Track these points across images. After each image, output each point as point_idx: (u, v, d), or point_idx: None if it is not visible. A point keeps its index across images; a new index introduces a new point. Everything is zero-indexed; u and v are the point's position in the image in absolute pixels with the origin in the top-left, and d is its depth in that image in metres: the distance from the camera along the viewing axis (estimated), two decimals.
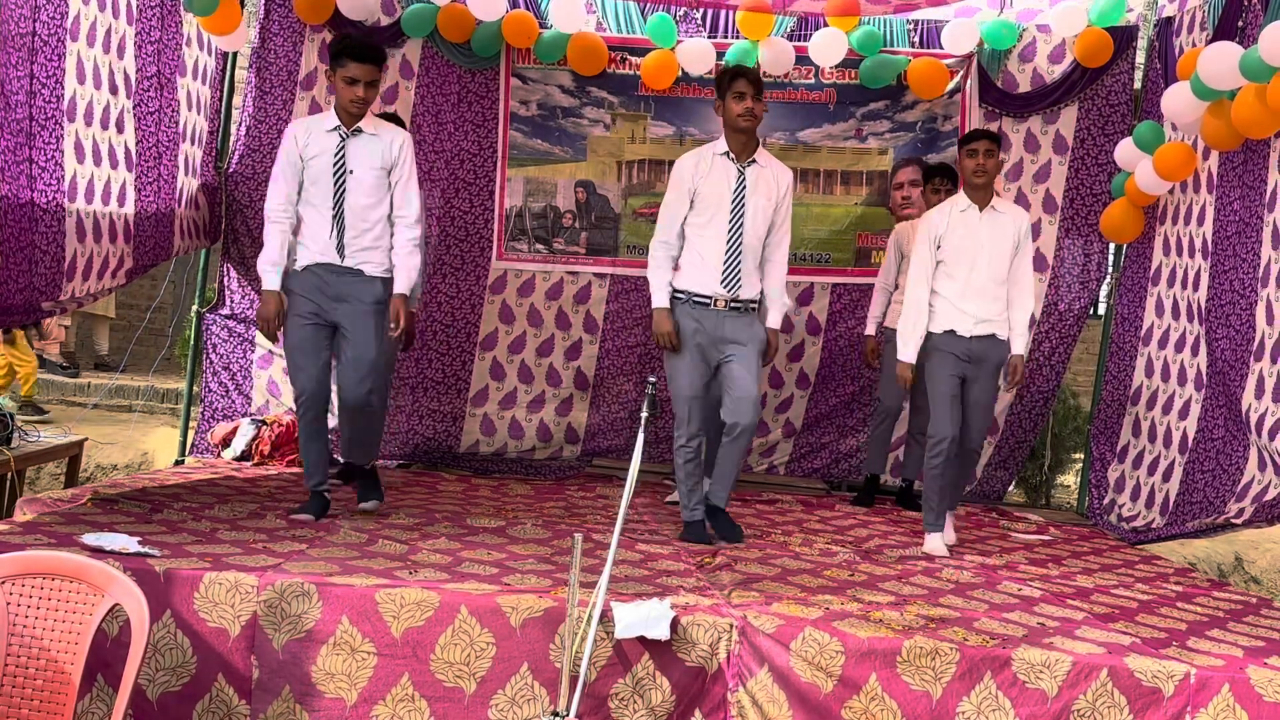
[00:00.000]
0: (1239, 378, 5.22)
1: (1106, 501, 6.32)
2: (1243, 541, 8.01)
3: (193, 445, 6.30)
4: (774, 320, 4.90)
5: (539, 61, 6.50)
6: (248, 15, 6.00)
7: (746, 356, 4.72)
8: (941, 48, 6.48)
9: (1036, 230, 6.30)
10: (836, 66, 6.49)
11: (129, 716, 3.00)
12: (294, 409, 4.80)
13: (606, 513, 5.29)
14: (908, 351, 5.05)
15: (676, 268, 4.79)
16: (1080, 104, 6.47)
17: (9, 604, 2.82)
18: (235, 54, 6.30)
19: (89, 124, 4.74)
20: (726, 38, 6.49)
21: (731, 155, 4.75)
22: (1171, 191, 6.02)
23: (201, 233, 6.04)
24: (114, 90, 4.94)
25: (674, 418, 4.82)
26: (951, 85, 6.48)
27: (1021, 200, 6.45)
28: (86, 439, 6.64)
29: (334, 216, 4.46)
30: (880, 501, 6.21)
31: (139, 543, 3.66)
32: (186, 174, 5.79)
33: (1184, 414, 5.74)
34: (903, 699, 3.38)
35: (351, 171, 4.45)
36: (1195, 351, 5.70)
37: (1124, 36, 6.38)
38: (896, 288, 5.92)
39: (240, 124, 6.30)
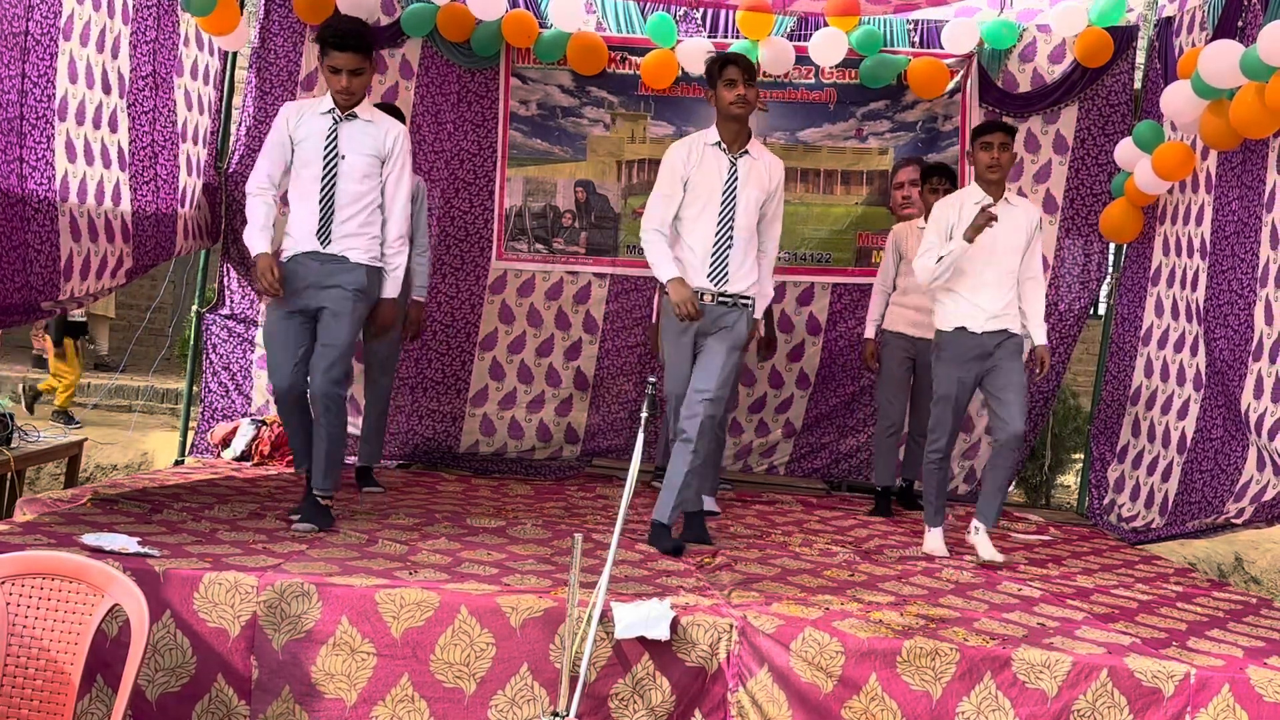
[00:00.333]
0: (1238, 378, 5.22)
1: (1106, 501, 6.32)
2: (1243, 541, 8.02)
3: (192, 445, 6.29)
4: (756, 310, 4.73)
5: (539, 61, 6.50)
6: (247, 15, 5.99)
7: (712, 350, 4.54)
8: (941, 47, 6.48)
9: None
10: (836, 66, 6.50)
11: (128, 717, 2.99)
12: None
13: (606, 513, 5.28)
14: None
15: None
16: (1080, 104, 6.47)
17: (9, 604, 2.82)
18: (235, 54, 6.30)
19: (80, 123, 4.73)
20: (726, 37, 6.49)
21: (723, 145, 4.57)
22: (1170, 191, 6.02)
23: (204, 233, 6.04)
24: (107, 89, 4.94)
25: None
26: (952, 85, 6.49)
27: None
28: (86, 439, 6.64)
29: (321, 201, 4.33)
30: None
31: (139, 543, 3.65)
32: (190, 174, 5.78)
33: (1183, 414, 5.74)
34: (903, 699, 3.38)
35: (343, 156, 4.33)
36: (1194, 351, 5.70)
37: (1124, 36, 6.38)
38: (895, 289, 5.92)
39: (240, 124, 6.29)
